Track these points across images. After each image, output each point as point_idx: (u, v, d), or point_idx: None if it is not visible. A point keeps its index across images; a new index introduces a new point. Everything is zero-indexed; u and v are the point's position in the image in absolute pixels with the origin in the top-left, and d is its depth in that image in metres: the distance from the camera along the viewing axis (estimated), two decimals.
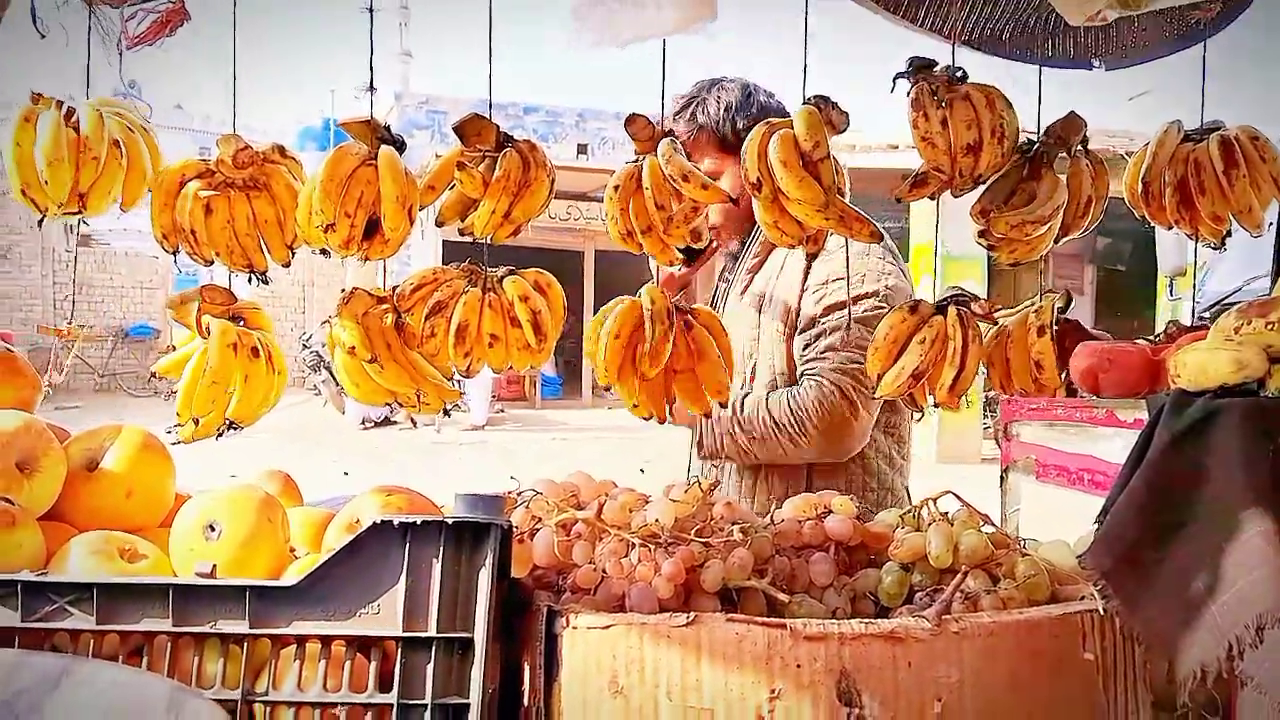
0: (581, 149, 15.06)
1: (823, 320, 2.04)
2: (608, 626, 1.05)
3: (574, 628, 1.06)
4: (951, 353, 1.89)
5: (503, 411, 15.22)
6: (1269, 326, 1.03)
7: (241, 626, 1.02)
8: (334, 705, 1.01)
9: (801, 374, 2.03)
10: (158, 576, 1.10)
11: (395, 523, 1.02)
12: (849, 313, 1.99)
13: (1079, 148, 1.93)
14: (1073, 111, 1.91)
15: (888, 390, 1.90)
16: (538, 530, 1.24)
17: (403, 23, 23.76)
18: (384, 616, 1.02)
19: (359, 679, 1.02)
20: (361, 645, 1.03)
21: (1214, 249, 2.13)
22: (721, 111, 2.13)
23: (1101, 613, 1.07)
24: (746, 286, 2.20)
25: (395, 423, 13.51)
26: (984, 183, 1.81)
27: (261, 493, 1.18)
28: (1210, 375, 1.01)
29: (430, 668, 1.01)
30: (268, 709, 1.01)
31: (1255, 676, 0.87)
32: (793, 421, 1.98)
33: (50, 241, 18.59)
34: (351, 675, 1.01)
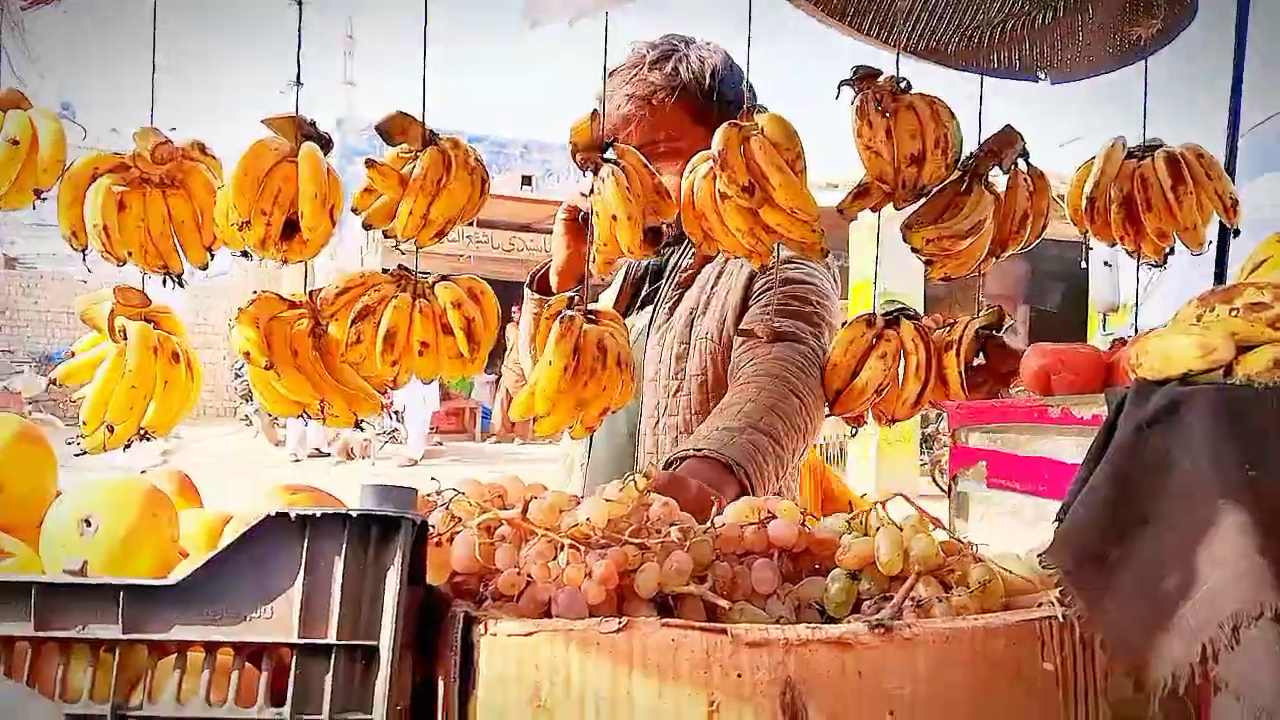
0: (526, 180, 15.03)
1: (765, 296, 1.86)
2: (530, 633, 0.95)
3: (492, 635, 0.96)
4: (915, 367, 1.86)
5: (441, 444, 14.97)
6: (1232, 313, 0.98)
7: (113, 631, 0.90)
8: None
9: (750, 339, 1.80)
10: (18, 574, 0.98)
11: (292, 515, 0.91)
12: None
13: (1018, 162, 1.91)
14: (1008, 125, 1.90)
15: (849, 406, 1.85)
16: (458, 533, 1.14)
17: (347, 51, 23.72)
18: (277, 621, 0.91)
19: (248, 691, 0.90)
20: (251, 653, 0.92)
21: (1155, 267, 2.13)
22: (703, 70, 1.82)
23: (1060, 620, 1.00)
24: (675, 303, 2.02)
25: (326, 455, 13.20)
26: (924, 196, 1.79)
27: (147, 485, 1.07)
28: (1175, 362, 0.95)
29: (329, 679, 0.90)
30: None
31: (1230, 681, 0.81)
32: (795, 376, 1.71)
33: None
34: (239, 687, 0.90)
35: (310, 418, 1.82)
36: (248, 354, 1.70)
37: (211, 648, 0.91)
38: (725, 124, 1.59)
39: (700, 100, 1.80)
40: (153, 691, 0.90)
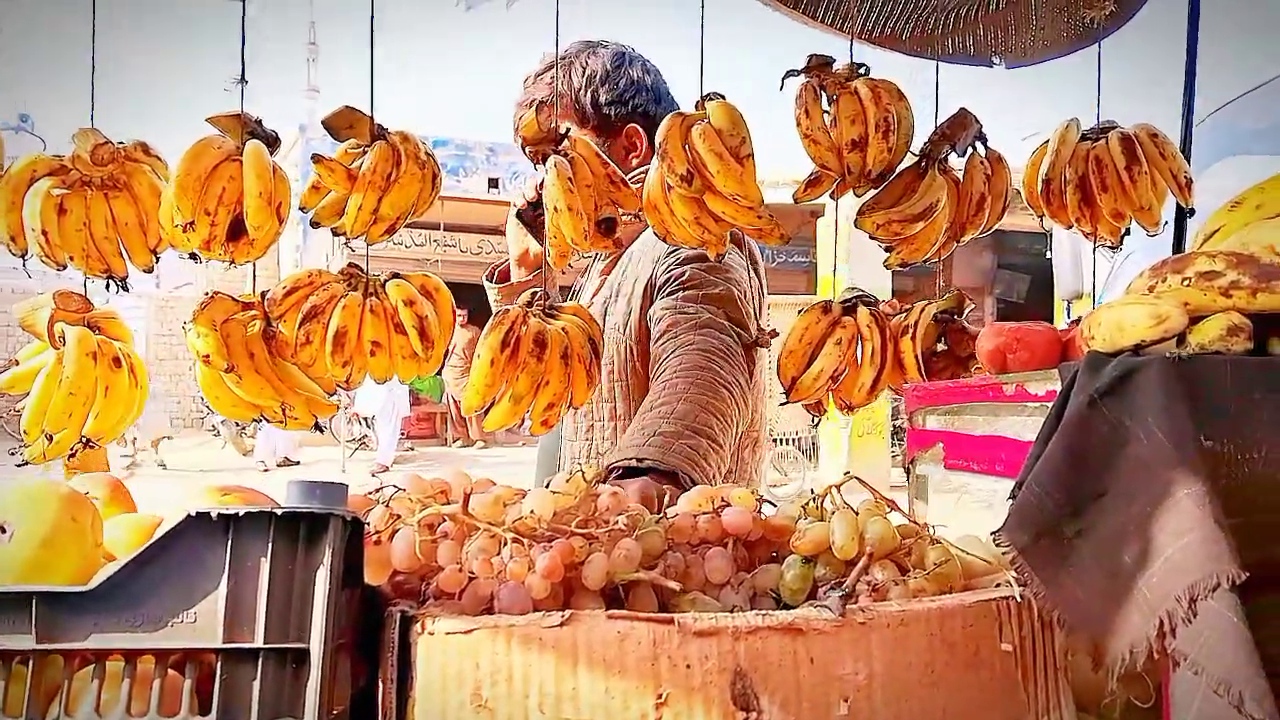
0: (493, 183, 14.93)
1: (676, 271, 1.85)
2: (470, 631, 0.91)
3: (430, 633, 0.92)
4: (870, 353, 1.84)
5: (412, 450, 14.84)
6: (1185, 282, 0.96)
7: (26, 641, 0.85)
8: None
9: (668, 329, 1.80)
10: None
11: (214, 514, 0.86)
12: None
13: (975, 145, 1.90)
14: (962, 108, 1.88)
15: (805, 393, 1.82)
16: (398, 531, 1.10)
17: (310, 59, 23.49)
18: (201, 626, 0.86)
19: (171, 700, 0.85)
20: (175, 660, 0.87)
21: (1111, 249, 2.12)
22: (583, 80, 1.95)
23: (1019, 600, 0.98)
24: (597, 290, 2.06)
25: (297, 463, 13.03)
26: (882, 180, 1.76)
27: (65, 488, 1.01)
28: (1127, 332, 0.93)
29: (257, 685, 0.85)
30: None
31: (1189, 654, 0.78)
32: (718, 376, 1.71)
33: None
34: (162, 695, 0.85)
35: (268, 421, 1.77)
36: (207, 357, 1.65)
37: (132, 655, 0.86)
38: (671, 114, 1.57)
39: (578, 106, 1.95)
40: (70, 704, 0.85)
